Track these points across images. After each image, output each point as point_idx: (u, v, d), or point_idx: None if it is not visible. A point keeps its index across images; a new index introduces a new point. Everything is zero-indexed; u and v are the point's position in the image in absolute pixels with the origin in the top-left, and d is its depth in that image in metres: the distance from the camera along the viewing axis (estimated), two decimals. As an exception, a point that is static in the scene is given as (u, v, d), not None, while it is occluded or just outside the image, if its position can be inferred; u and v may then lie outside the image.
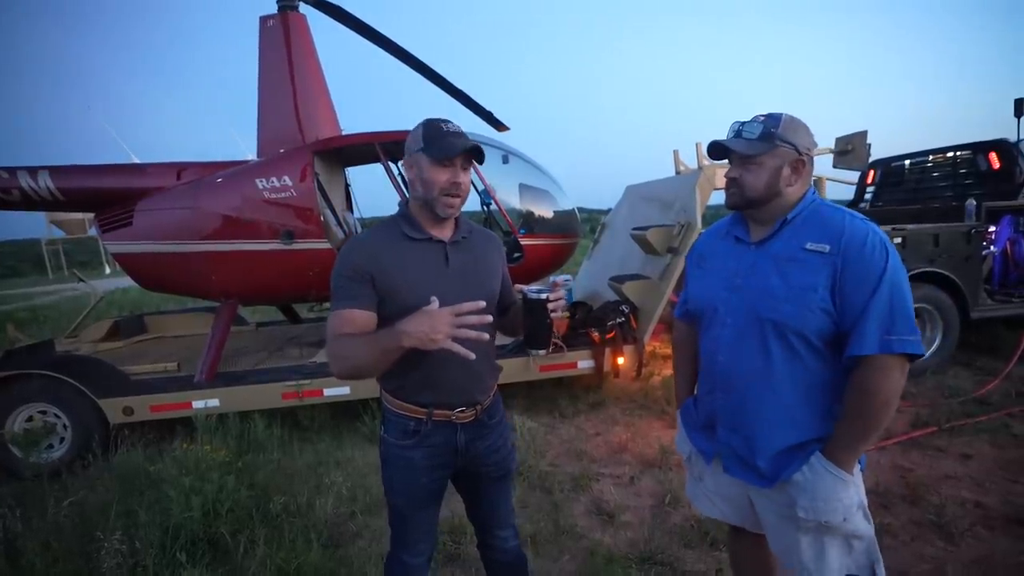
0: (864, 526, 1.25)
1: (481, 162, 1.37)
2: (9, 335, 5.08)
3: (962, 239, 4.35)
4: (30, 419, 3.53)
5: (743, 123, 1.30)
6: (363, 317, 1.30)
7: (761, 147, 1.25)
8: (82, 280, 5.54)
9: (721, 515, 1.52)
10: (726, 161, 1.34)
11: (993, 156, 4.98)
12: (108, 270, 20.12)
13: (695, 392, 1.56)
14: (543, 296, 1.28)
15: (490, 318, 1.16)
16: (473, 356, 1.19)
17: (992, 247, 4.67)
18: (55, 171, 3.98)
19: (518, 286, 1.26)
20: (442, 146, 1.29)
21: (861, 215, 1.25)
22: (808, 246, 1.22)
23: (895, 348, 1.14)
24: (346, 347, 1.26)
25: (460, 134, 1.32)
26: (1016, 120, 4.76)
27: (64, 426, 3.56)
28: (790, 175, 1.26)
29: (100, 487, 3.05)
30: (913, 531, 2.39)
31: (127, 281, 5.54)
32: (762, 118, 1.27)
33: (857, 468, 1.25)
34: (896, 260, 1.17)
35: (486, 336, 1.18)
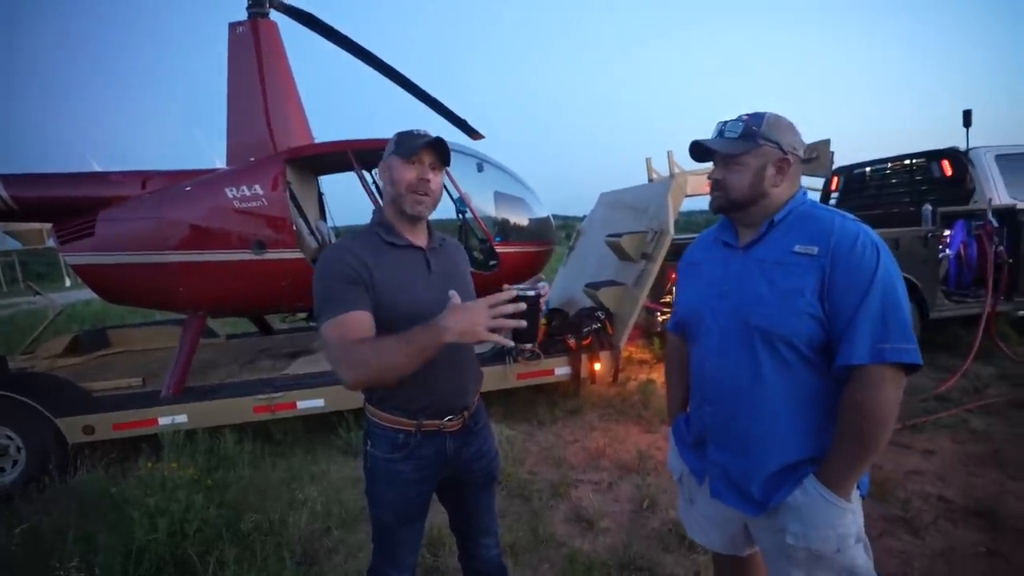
0: (862, 560, 1.14)
1: (446, 156, 1.38)
2: None
3: (920, 243, 4.54)
4: (-21, 441, 3.34)
5: (726, 122, 1.26)
6: (368, 319, 1.27)
7: (743, 146, 1.20)
8: (38, 293, 5.30)
9: (709, 543, 1.44)
10: (707, 166, 1.31)
11: (945, 164, 5.24)
12: (69, 282, 19.30)
13: (688, 408, 1.50)
14: (531, 294, 1.26)
15: (524, 305, 1.16)
16: (510, 343, 1.24)
17: (947, 250, 4.89)
18: (8, 179, 3.81)
19: (505, 286, 1.25)
20: (409, 144, 1.34)
21: (853, 216, 1.19)
22: (796, 248, 1.16)
23: (888, 357, 1.06)
24: (367, 352, 1.19)
25: (427, 136, 1.36)
26: (965, 130, 5.02)
27: (17, 448, 3.37)
28: (775, 175, 1.21)
29: (56, 511, 2.89)
30: (881, 526, 2.45)
31: (89, 293, 5.34)
32: (745, 117, 1.23)
33: (856, 494, 1.16)
34: (889, 262, 1.10)
35: (524, 323, 1.18)
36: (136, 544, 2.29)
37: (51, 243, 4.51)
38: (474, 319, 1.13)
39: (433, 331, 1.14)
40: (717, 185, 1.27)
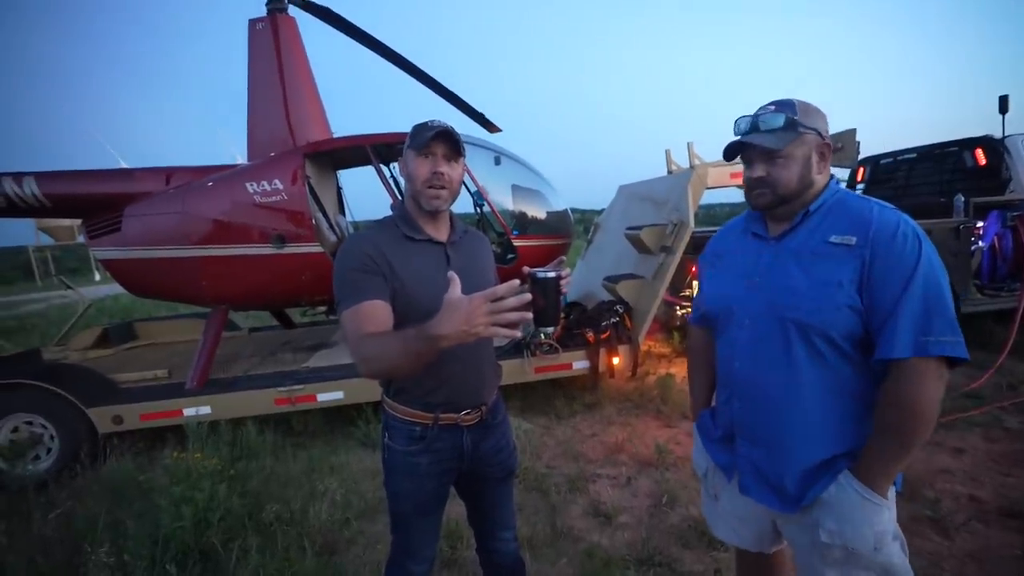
0: (899, 558, 1.11)
1: (458, 145, 1.34)
2: None
3: (951, 235, 4.39)
4: (15, 430, 3.45)
5: (757, 116, 1.18)
6: (384, 309, 1.26)
7: (788, 137, 1.13)
8: (69, 287, 5.44)
9: (739, 541, 1.39)
10: (735, 160, 1.25)
11: (979, 152, 5.05)
12: (98, 277, 19.87)
13: (713, 403, 1.45)
14: (552, 275, 1.23)
15: (529, 296, 1.08)
16: (519, 335, 1.13)
17: (980, 242, 4.72)
18: (41, 177, 3.92)
19: (525, 268, 1.23)
20: (421, 137, 1.33)
21: (891, 205, 1.14)
22: (833, 239, 1.11)
23: (931, 351, 1.01)
24: (374, 348, 1.18)
25: (437, 127, 1.32)
26: (1001, 116, 4.82)
27: (51, 436, 3.48)
28: (819, 162, 1.16)
29: (88, 498, 2.99)
30: (910, 527, 2.38)
31: (118, 288, 5.48)
32: (771, 107, 1.17)
33: (892, 491, 1.12)
34: (931, 252, 1.06)
35: (529, 315, 1.08)
36: (163, 532, 2.35)
37: (81, 239, 4.63)
38: (472, 320, 1.02)
39: (429, 340, 1.06)
40: (761, 183, 1.18)
